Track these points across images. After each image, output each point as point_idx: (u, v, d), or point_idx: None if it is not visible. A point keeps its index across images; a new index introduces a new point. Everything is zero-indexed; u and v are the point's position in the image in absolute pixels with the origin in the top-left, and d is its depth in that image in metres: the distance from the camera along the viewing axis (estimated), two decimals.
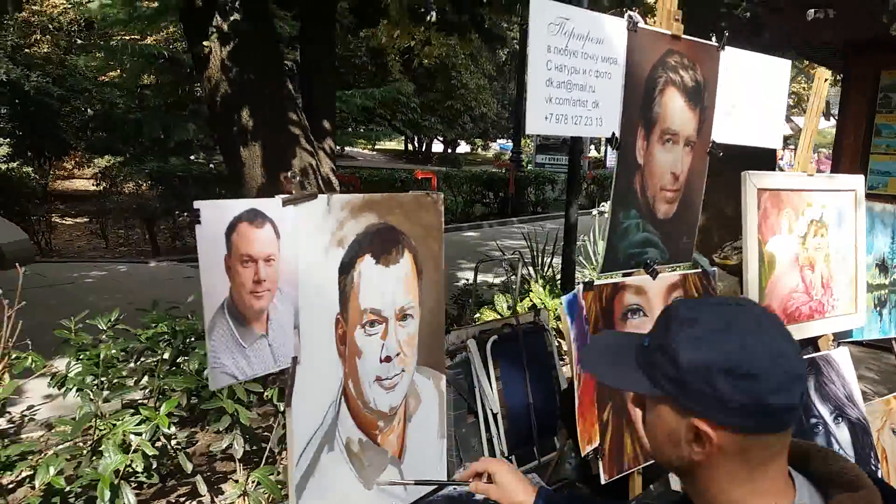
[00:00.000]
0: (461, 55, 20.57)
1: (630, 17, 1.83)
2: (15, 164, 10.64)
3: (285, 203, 1.28)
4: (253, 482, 2.45)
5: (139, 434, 2.23)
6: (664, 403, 0.87)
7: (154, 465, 2.32)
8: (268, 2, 3.75)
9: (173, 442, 2.49)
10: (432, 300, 1.64)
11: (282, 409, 2.57)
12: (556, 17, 1.65)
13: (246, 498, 2.48)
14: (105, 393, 2.44)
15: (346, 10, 5.57)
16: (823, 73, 2.35)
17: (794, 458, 0.89)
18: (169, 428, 2.27)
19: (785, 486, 0.87)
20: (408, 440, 1.59)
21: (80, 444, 2.38)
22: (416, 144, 29.32)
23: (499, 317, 3.71)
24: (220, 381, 1.19)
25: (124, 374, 2.62)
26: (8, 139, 11.88)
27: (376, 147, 27.38)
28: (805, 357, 2.17)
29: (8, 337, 2.67)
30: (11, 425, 3.11)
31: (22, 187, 9.65)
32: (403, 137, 27.79)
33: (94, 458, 2.22)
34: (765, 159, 4.80)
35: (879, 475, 2.25)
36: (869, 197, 2.52)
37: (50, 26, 15.63)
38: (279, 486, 2.39)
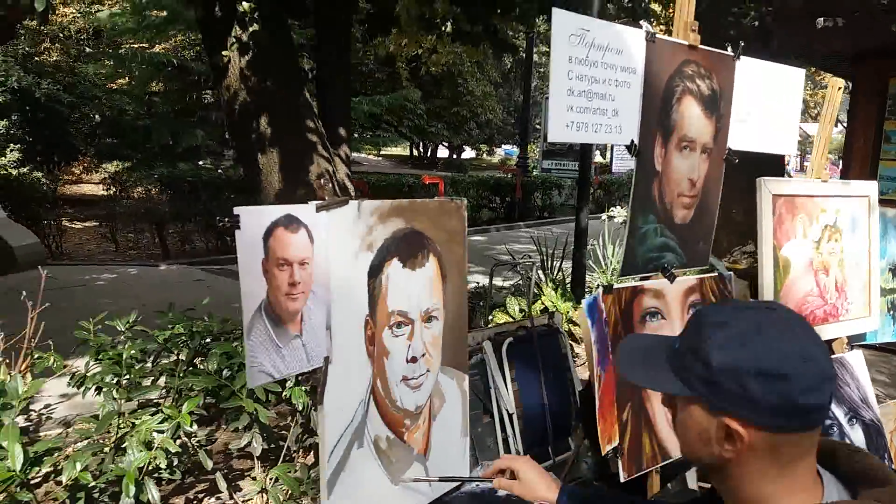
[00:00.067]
0: (467, 63, 20.68)
1: (647, 28, 1.88)
2: (25, 170, 10.73)
3: (319, 209, 1.32)
4: (271, 479, 2.49)
5: (162, 432, 2.28)
6: (695, 403, 0.90)
7: (175, 463, 2.36)
8: (285, 12, 3.81)
9: (193, 440, 2.53)
10: (455, 303, 1.68)
11: (299, 408, 2.62)
12: (577, 29, 1.70)
13: (264, 494, 2.52)
14: (125, 392, 2.49)
15: (358, 19, 5.64)
16: (837, 82, 2.39)
17: (821, 457, 0.92)
18: (191, 426, 2.31)
19: (813, 484, 0.89)
20: (432, 438, 1.62)
21: (100, 441, 2.43)
22: (422, 150, 29.41)
23: (511, 319, 3.75)
24: (257, 379, 1.23)
25: (142, 374, 2.66)
26: (18, 145, 11.98)
27: (382, 153, 27.47)
28: None
29: (30, 337, 2.73)
30: (30, 423, 3.16)
31: (33, 192, 9.74)
32: (409, 143, 27.89)
33: (117, 455, 2.27)
34: (773, 165, 4.83)
35: None
36: (879, 202, 2.55)
37: (61, 35, 15.79)
38: (298, 483, 2.43)
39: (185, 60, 14.71)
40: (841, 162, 5.80)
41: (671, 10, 8.69)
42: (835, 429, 2.17)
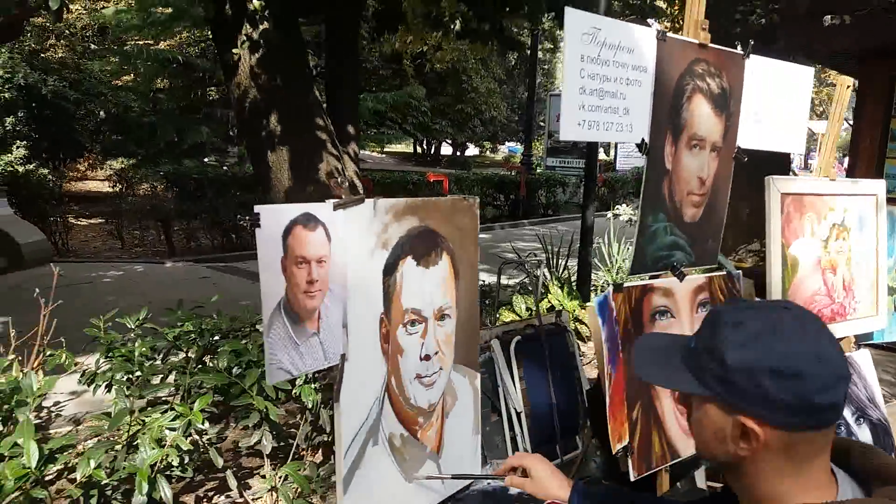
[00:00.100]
0: (472, 59, 20.68)
1: (657, 27, 1.88)
2: (32, 166, 10.78)
3: (336, 207, 1.33)
4: (280, 478, 2.51)
5: (174, 430, 2.30)
6: (711, 402, 0.91)
7: (186, 460, 2.38)
8: (296, 11, 3.83)
9: (204, 438, 2.55)
10: (468, 301, 1.70)
11: (308, 405, 2.64)
12: (589, 28, 1.70)
13: (274, 493, 2.54)
14: (138, 390, 2.50)
15: (366, 17, 5.65)
16: (845, 81, 2.39)
17: (834, 455, 0.93)
18: (203, 424, 2.33)
19: (828, 482, 0.90)
20: (445, 436, 1.64)
21: (111, 438, 2.45)
22: (425, 147, 29.42)
23: (518, 318, 3.76)
24: (276, 376, 1.25)
25: (154, 372, 2.68)
26: (24, 141, 12.03)
27: (385, 150, 27.49)
28: None
29: (43, 334, 2.75)
30: (40, 420, 3.19)
31: (40, 189, 9.77)
32: (412, 140, 27.90)
33: (129, 452, 2.29)
34: (777, 163, 4.83)
35: None
36: (887, 201, 2.56)
37: (67, 31, 15.82)
38: (308, 481, 2.45)
39: (189, 57, 14.75)
40: (846, 160, 5.79)
41: (676, 7, 8.68)
42: (842, 428, 2.18)
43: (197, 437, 2.50)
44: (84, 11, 16.10)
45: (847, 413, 2.23)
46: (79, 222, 11.34)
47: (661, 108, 1.91)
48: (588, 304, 4.44)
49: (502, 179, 15.03)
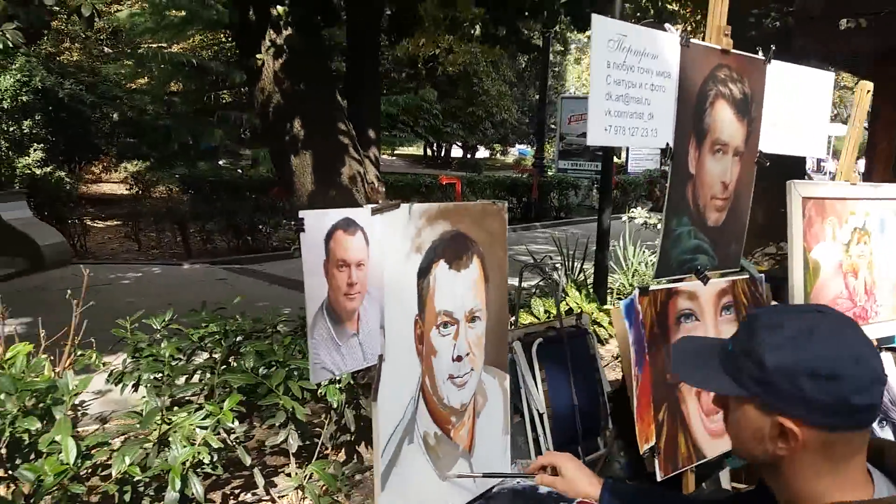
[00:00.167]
0: (483, 62, 20.73)
1: (681, 34, 1.91)
2: (49, 169, 10.92)
3: (374, 212, 1.37)
4: (306, 476, 2.56)
5: (204, 428, 2.35)
6: (749, 403, 0.94)
7: (216, 458, 2.43)
8: (318, 17, 3.89)
9: (232, 436, 2.61)
10: (497, 304, 1.73)
11: (333, 405, 2.68)
12: (615, 35, 1.74)
13: (300, 491, 2.59)
14: (168, 389, 2.56)
15: (382, 22, 5.71)
16: (865, 85, 2.41)
17: (869, 455, 0.94)
18: (233, 422, 2.38)
19: (864, 481, 0.92)
20: (476, 435, 1.68)
21: (140, 436, 2.50)
22: (436, 150, 29.49)
23: (537, 320, 3.79)
24: (319, 375, 1.29)
25: (182, 372, 2.74)
26: (41, 144, 12.18)
27: (396, 152, 27.60)
28: None
29: (73, 335, 2.82)
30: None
31: (58, 191, 9.91)
32: (423, 143, 27.98)
33: (160, 450, 2.34)
34: (795, 166, 4.83)
35: None
36: None
37: (82, 34, 16.01)
38: (334, 479, 2.50)
39: (203, 60, 14.89)
40: (861, 162, 5.78)
41: (688, 10, 8.68)
42: None
43: (225, 435, 2.55)
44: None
45: None
46: (95, 224, 11.48)
47: (685, 114, 1.94)
48: (605, 306, 4.47)
49: (514, 182, 15.06)
